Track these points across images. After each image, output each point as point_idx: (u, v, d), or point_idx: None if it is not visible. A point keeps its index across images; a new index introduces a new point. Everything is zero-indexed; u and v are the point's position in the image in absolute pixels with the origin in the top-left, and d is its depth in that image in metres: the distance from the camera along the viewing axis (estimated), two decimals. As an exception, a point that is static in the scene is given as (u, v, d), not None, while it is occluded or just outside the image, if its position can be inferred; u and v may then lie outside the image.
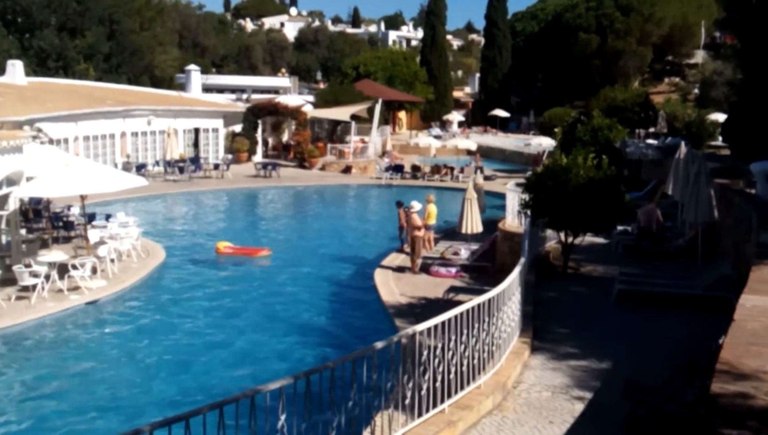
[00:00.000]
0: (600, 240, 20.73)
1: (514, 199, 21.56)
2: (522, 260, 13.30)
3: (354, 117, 47.74)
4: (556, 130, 34.18)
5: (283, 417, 6.99)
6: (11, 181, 19.52)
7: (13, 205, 20.38)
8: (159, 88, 51.75)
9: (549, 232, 19.62)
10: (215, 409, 6.34)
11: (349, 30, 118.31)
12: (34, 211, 25.26)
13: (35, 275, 17.94)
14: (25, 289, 17.93)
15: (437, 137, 57.08)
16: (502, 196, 26.33)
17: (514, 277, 11.56)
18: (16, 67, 38.92)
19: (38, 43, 53.22)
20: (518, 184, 21.39)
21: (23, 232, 22.42)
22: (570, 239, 17.95)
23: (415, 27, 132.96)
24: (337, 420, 7.74)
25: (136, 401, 13.08)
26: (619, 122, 32.29)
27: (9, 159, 18.57)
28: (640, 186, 29.49)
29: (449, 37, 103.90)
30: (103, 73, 52.55)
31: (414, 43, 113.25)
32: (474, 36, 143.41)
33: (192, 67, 53.00)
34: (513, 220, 21.40)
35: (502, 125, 72.85)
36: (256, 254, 23.64)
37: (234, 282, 20.88)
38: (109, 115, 37.59)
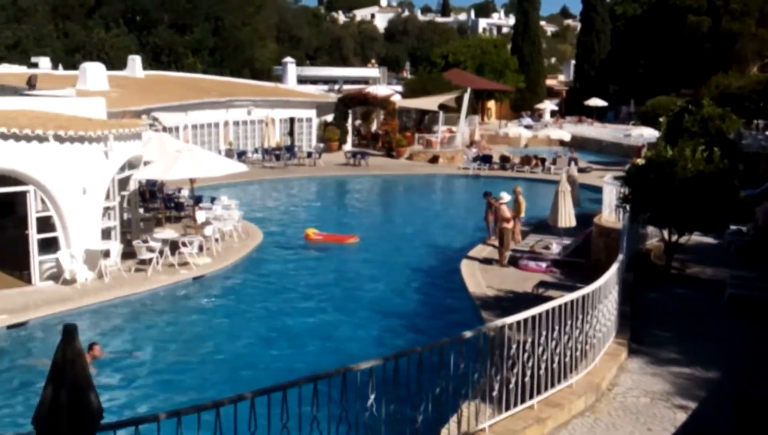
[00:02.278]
0: (709, 240, 19.55)
1: (611, 192, 20.62)
2: (620, 257, 12.55)
3: (442, 106, 47.23)
4: (660, 120, 31.90)
5: (372, 396, 7.13)
6: (132, 165, 21.01)
7: (133, 186, 22.15)
8: (258, 79, 53.35)
9: (650, 229, 18.62)
10: (310, 383, 6.63)
11: (439, 19, 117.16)
12: (150, 193, 27.02)
13: (151, 250, 19.39)
14: (143, 262, 19.39)
15: (528, 127, 56.04)
16: (597, 190, 25.69)
17: (610, 274, 11.04)
18: (135, 62, 41.37)
19: (153, 40, 56.23)
20: (616, 178, 20.45)
21: (141, 211, 24.12)
22: (674, 237, 16.71)
23: (507, 14, 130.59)
24: (423, 405, 7.76)
25: (234, 367, 14.00)
26: (733, 112, 29.92)
27: (130, 145, 19.98)
28: (757, 182, 27.40)
29: (543, 23, 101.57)
30: (209, 66, 54.93)
31: (505, 30, 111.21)
32: (569, 21, 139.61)
33: (288, 59, 54.27)
34: (610, 215, 20.47)
35: (599, 115, 69.72)
36: (344, 241, 23.93)
37: (323, 266, 21.38)
38: (214, 105, 39.17)
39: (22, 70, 38.54)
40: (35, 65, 42.40)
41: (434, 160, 43.67)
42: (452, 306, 17.48)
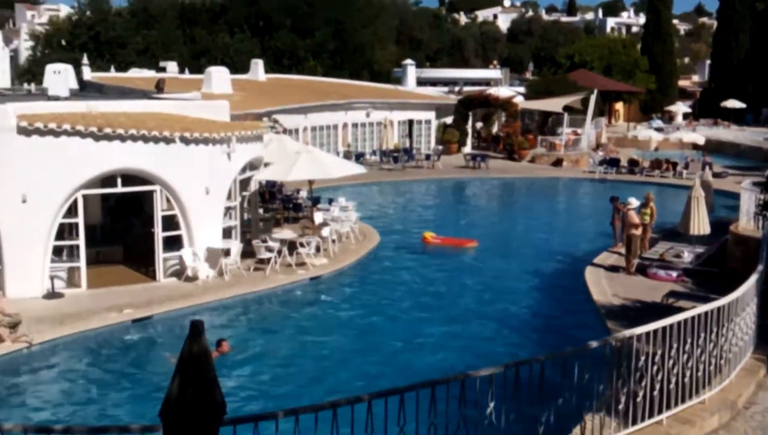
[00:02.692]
0: None
1: (750, 199, 19.82)
2: (759, 268, 12.06)
3: (567, 108, 46.28)
4: None
5: (491, 404, 7.09)
6: (253, 166, 21.67)
7: (253, 187, 22.87)
8: (377, 82, 53.82)
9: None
10: (427, 388, 6.63)
11: (564, 19, 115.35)
12: (270, 193, 27.80)
13: (270, 250, 19.96)
14: (261, 261, 19.98)
15: (658, 130, 53.56)
16: (734, 196, 24.85)
17: (749, 286, 10.65)
18: (258, 66, 42.72)
19: (275, 44, 57.99)
20: (756, 183, 19.85)
21: (261, 211, 24.87)
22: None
23: (637, 12, 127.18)
24: (546, 415, 7.71)
25: (348, 369, 14.28)
26: None
27: (251, 146, 20.63)
28: None
29: (675, 21, 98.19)
30: (328, 69, 55.92)
31: (635, 29, 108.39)
32: (705, 19, 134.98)
33: (408, 61, 54.65)
34: (748, 223, 19.65)
35: (736, 117, 66.29)
36: (462, 245, 23.77)
37: (440, 270, 21.31)
38: (333, 107, 39.78)
39: (150, 74, 40.66)
40: (163, 69, 44.65)
41: (558, 163, 42.93)
42: (575, 314, 17.20)
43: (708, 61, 78.26)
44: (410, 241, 24.70)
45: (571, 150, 44.76)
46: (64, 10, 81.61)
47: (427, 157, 41.69)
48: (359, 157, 38.57)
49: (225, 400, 5.70)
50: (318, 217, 23.50)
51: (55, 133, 16.96)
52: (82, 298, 17.47)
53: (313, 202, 24.71)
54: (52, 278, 17.51)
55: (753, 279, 11.06)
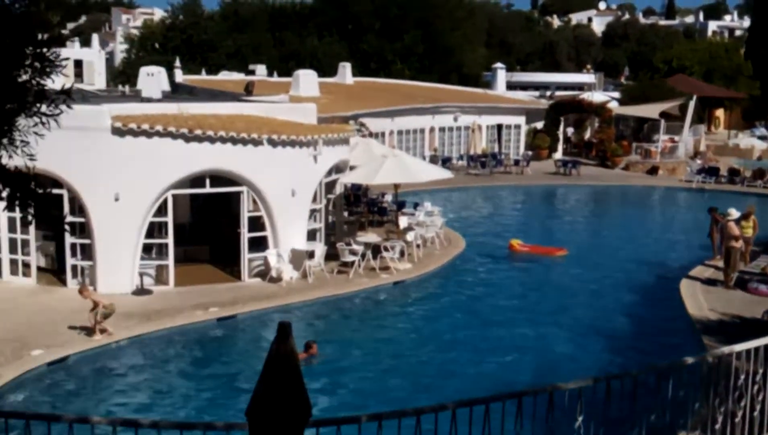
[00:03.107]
0: None
1: None
2: None
3: (664, 114, 45.47)
4: None
5: (580, 418, 6.95)
6: (338, 169, 21.97)
7: (338, 190, 23.17)
8: (466, 85, 53.59)
9: None
10: (514, 398, 6.52)
11: (662, 22, 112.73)
12: (355, 197, 28.12)
13: (353, 253, 20.14)
14: (345, 264, 20.23)
15: (762, 138, 52.49)
16: None
17: None
18: (346, 69, 43.15)
19: (363, 47, 58.59)
20: None
21: (345, 214, 25.21)
22: None
23: (740, 15, 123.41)
24: (636, 431, 7.52)
25: (430, 375, 14.39)
26: None
27: (337, 149, 21.01)
28: None
29: None
30: (417, 73, 56.17)
31: (738, 33, 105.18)
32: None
33: (498, 65, 54.10)
34: None
35: None
36: (551, 254, 23.57)
37: (527, 278, 21.25)
38: (420, 111, 39.85)
39: (240, 76, 41.64)
40: (252, 72, 45.60)
41: (653, 171, 42.10)
42: (669, 328, 16.88)
43: (821, 66, 74.87)
44: (496, 248, 24.59)
45: (668, 158, 43.86)
46: (158, 14, 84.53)
47: (516, 162, 41.43)
48: (446, 162, 38.61)
49: (310, 401, 5.79)
50: (403, 221, 23.59)
51: (148, 134, 17.64)
52: (169, 295, 18.10)
53: (398, 206, 24.82)
54: (141, 275, 18.22)
55: None
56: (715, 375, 8.00)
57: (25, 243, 18.49)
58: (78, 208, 17.88)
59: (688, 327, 16.49)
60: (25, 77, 6.21)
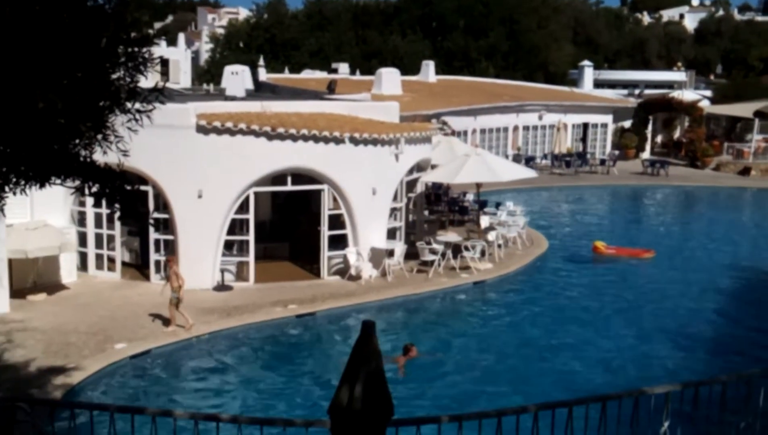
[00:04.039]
0: None
1: None
2: None
3: (758, 114, 43.88)
4: None
5: (666, 424, 6.89)
6: (420, 168, 21.84)
7: (419, 188, 22.98)
8: (552, 83, 52.92)
9: None
10: (598, 402, 6.51)
11: (759, 18, 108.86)
12: (435, 196, 27.84)
13: (433, 252, 19.98)
14: (424, 263, 20.09)
15: None
16: None
17: None
18: (429, 67, 42.90)
19: (447, 45, 58.15)
20: None
21: (426, 213, 24.99)
22: None
23: None
24: None
25: (509, 376, 14.22)
26: None
27: (419, 148, 20.84)
28: None
29: None
30: (501, 70, 55.42)
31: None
32: None
33: (585, 62, 53.12)
34: None
35: None
36: (638, 256, 23.03)
37: (613, 281, 20.80)
38: (504, 109, 39.35)
39: (323, 75, 41.91)
40: (335, 71, 45.72)
41: (745, 171, 41.19)
42: (761, 334, 16.52)
43: None
44: (580, 249, 24.17)
45: (761, 158, 42.84)
46: (243, 13, 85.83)
47: (602, 162, 40.70)
48: (529, 161, 38.13)
49: (393, 400, 5.74)
50: (484, 220, 23.33)
51: (231, 132, 17.77)
52: (249, 291, 18.21)
53: (480, 206, 24.56)
54: (222, 271, 18.39)
55: None
56: None
57: (111, 238, 18.87)
58: (162, 204, 18.18)
59: None
60: (118, 75, 6.48)
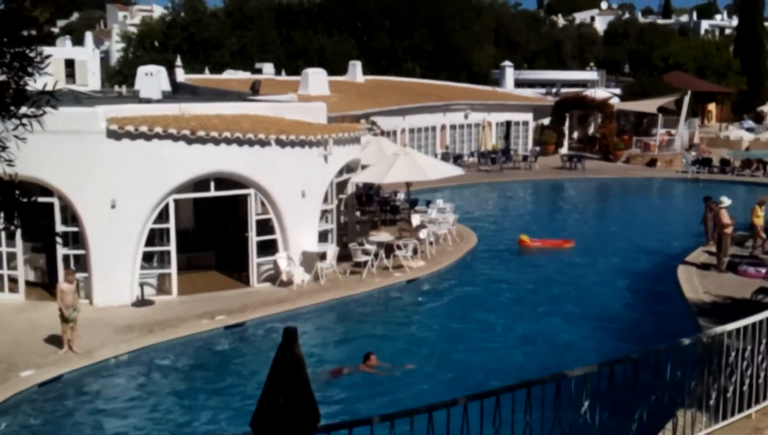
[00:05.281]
0: None
1: None
2: None
3: (661, 109, 45.11)
4: None
5: (586, 403, 7.02)
6: (350, 169, 20.59)
7: (350, 189, 21.72)
8: (475, 83, 52.02)
9: None
10: (523, 389, 6.47)
11: (660, 21, 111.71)
12: (367, 196, 26.62)
13: (366, 253, 18.90)
14: (358, 264, 18.93)
15: (750, 130, 53.16)
16: None
17: None
18: (356, 67, 41.39)
19: (373, 45, 56.01)
20: None
21: (357, 214, 23.84)
22: None
23: (730, 15, 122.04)
24: (639, 412, 7.67)
25: (446, 371, 13.60)
26: None
27: (348, 149, 19.53)
28: None
29: (767, 24, 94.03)
30: (427, 71, 53.86)
31: (728, 32, 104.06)
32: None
33: (506, 63, 52.90)
34: None
35: None
36: (560, 246, 22.98)
37: (537, 271, 20.62)
38: (431, 109, 38.56)
39: (246, 75, 39.31)
40: (259, 71, 43.23)
41: (652, 163, 41.99)
42: (668, 312, 16.82)
43: (799, 63, 76.61)
44: (507, 242, 23.80)
45: (665, 150, 43.90)
46: (158, 11, 79.82)
47: (525, 158, 40.63)
48: (457, 159, 37.59)
49: (318, 408, 5.41)
50: (415, 219, 22.51)
51: (147, 137, 15.75)
52: (172, 305, 16.27)
53: (411, 205, 23.82)
54: (141, 285, 16.32)
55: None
56: (709, 354, 8.25)
57: (12, 256, 16.33)
58: (71, 216, 16.00)
59: (685, 310, 16.44)
60: (2, 77, 5.83)
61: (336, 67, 44.06)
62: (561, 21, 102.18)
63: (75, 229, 15.95)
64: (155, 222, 16.29)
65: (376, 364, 13.26)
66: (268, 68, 43.82)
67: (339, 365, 13.52)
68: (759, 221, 20.81)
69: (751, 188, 33.18)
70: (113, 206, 15.59)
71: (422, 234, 20.84)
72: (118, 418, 11.78)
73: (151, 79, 22.53)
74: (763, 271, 18.67)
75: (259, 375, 12.85)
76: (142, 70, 23.60)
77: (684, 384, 8.15)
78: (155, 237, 16.59)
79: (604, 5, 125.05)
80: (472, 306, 17.49)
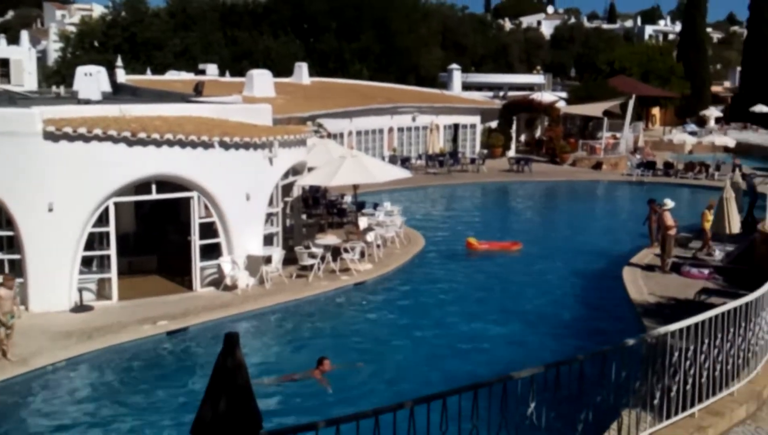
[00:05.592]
0: None
1: None
2: None
3: (606, 113, 45.93)
4: None
5: (533, 405, 7.10)
6: (295, 171, 20.42)
7: (296, 192, 21.57)
8: (423, 86, 52.22)
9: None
10: (470, 391, 6.51)
11: (605, 26, 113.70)
12: (313, 199, 26.40)
13: (313, 256, 18.79)
14: (304, 268, 18.80)
15: (692, 133, 53.88)
16: (762, 196, 25.21)
17: None
18: (302, 69, 41.22)
19: (320, 47, 55.72)
20: None
21: (303, 217, 23.58)
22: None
23: (673, 20, 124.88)
24: (584, 413, 7.76)
25: (392, 375, 13.59)
26: None
27: (294, 151, 19.36)
28: None
29: (709, 29, 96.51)
30: (374, 73, 53.79)
31: (671, 37, 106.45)
32: (736, 28, 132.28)
33: (453, 66, 53.15)
34: None
35: (765, 122, 65.69)
36: (507, 248, 23.14)
37: (484, 273, 20.68)
38: (378, 111, 38.55)
39: (189, 76, 38.88)
40: (202, 72, 42.68)
41: (598, 166, 42.63)
42: (614, 313, 17.06)
43: (739, 68, 78.99)
44: (455, 245, 23.87)
45: (611, 153, 44.74)
46: (98, 10, 77.86)
47: (472, 160, 40.85)
48: (405, 162, 37.64)
49: (261, 413, 5.43)
50: (363, 222, 22.40)
51: (85, 139, 15.37)
52: (112, 310, 15.92)
53: (358, 207, 23.75)
54: (80, 290, 15.90)
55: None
56: (653, 354, 8.39)
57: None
58: (5, 220, 15.57)
59: (630, 310, 16.64)
60: None
61: (281, 69, 43.74)
62: (508, 25, 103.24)
63: (10, 233, 15.54)
64: (95, 225, 15.91)
65: (330, 369, 13.12)
66: (211, 69, 43.34)
67: (291, 372, 13.33)
68: (708, 226, 21.17)
69: (694, 191, 33.96)
70: (50, 210, 15.18)
71: (369, 237, 20.79)
72: (54, 429, 11.43)
73: (91, 79, 22.03)
74: (706, 271, 19.05)
75: (201, 381, 12.55)
76: (81, 71, 23.06)
77: (629, 384, 8.20)
78: (95, 241, 16.19)
79: (550, 10, 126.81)
80: (420, 308, 17.51)
